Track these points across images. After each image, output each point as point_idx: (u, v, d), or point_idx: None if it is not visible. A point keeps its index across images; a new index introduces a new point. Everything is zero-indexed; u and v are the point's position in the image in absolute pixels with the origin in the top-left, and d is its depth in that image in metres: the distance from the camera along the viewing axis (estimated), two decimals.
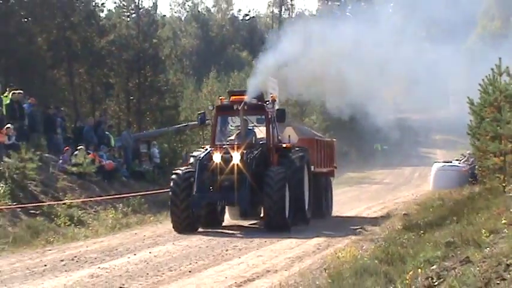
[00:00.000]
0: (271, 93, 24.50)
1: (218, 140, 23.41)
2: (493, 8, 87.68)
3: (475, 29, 59.63)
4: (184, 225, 21.33)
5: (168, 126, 39.01)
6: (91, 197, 26.26)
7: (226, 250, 17.64)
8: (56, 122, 29.87)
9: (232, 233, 21.56)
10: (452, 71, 28.47)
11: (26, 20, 40.21)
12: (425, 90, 28.33)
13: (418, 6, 27.86)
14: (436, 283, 9.73)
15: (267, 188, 20.93)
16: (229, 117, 24.26)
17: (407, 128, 60.10)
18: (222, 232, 21.87)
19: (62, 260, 16.21)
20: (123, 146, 33.31)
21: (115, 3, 47.32)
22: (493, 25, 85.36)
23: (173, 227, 21.58)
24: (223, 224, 23.85)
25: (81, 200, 25.42)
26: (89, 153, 28.49)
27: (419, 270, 10.46)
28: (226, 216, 24.62)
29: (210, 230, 21.76)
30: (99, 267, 15.12)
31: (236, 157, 21.36)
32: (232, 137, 23.80)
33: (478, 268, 9.76)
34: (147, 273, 14.35)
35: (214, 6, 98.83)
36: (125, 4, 45.54)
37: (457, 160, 40.52)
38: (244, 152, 21.68)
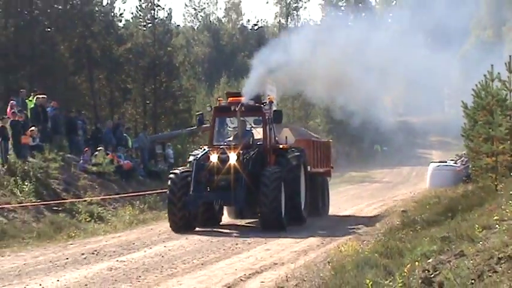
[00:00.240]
0: (268, 95, 23.80)
1: (216, 141, 22.51)
2: (485, 19, 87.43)
3: (468, 38, 59.44)
4: (181, 224, 20.49)
5: (182, 128, 38.99)
6: (110, 195, 26.26)
7: (236, 244, 17.64)
8: (77, 125, 29.91)
9: (242, 229, 21.36)
10: (448, 77, 28.45)
11: (49, 29, 40.39)
12: (423, 95, 28.30)
13: (415, 16, 27.83)
14: (432, 275, 9.70)
15: (263, 187, 20.13)
16: (228, 119, 23.20)
17: (405, 130, 60.01)
18: (232, 228, 21.82)
19: (82, 254, 16.24)
20: (140, 147, 33.33)
21: (132, 13, 47.69)
22: (485, 34, 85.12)
23: (170, 226, 20.76)
24: (221, 223, 22.92)
25: (100, 197, 25.44)
26: (107, 154, 28.54)
27: (417, 263, 10.43)
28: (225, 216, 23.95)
29: (209, 229, 20.96)
30: (117, 260, 15.15)
31: (233, 157, 20.61)
32: (230, 138, 22.77)
33: (471, 261, 9.74)
34: (162, 266, 14.38)
35: (225, 16, 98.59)
36: (142, 14, 45.70)
37: (452, 160, 40.41)
38: (241, 152, 20.93)
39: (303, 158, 22.97)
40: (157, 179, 31.46)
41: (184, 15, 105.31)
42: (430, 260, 10.82)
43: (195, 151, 23.17)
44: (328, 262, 13.89)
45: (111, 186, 27.67)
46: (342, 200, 33.66)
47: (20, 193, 21.92)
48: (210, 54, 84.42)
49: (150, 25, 45.16)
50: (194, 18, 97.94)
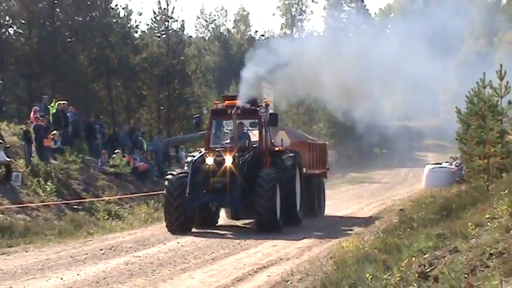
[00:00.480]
0: (264, 98, 23.24)
1: (213, 143, 21.66)
2: (477, 29, 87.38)
3: (462, 48, 59.36)
4: (177, 225, 19.59)
5: (194, 132, 38.99)
6: (126, 194, 26.34)
7: (245, 240, 17.62)
8: (96, 129, 29.98)
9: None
10: (443, 84, 28.43)
11: (70, 39, 40.57)
12: (420, 101, 28.29)
13: (412, 28, 27.79)
14: (428, 270, 9.70)
15: (258, 188, 19.35)
16: (224, 121, 22.42)
17: (404, 134, 60.02)
18: (240, 227, 21.81)
19: (101, 249, 16.27)
20: (155, 150, 33.38)
21: (148, 25, 47.78)
22: (478, 44, 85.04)
23: (166, 226, 19.90)
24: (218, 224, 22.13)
25: (117, 197, 25.51)
26: (124, 156, 28.62)
27: (414, 258, 10.42)
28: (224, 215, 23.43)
29: (208, 229, 20.34)
30: (133, 256, 15.17)
31: (228, 160, 19.81)
32: (227, 141, 21.87)
33: (465, 257, 9.72)
34: (175, 261, 14.40)
35: (234, 27, 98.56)
36: (156, 26, 45.80)
37: (446, 162, 40.33)
38: (237, 155, 20.10)
39: (298, 160, 22.15)
40: None
41: (196, 27, 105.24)
42: (426, 256, 10.80)
43: (193, 153, 22.43)
44: (331, 257, 13.88)
45: (127, 186, 27.74)
46: (344, 199, 33.68)
47: (43, 193, 22.01)
48: (220, 63, 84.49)
49: (164, 36, 45.20)
50: (205, 29, 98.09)
